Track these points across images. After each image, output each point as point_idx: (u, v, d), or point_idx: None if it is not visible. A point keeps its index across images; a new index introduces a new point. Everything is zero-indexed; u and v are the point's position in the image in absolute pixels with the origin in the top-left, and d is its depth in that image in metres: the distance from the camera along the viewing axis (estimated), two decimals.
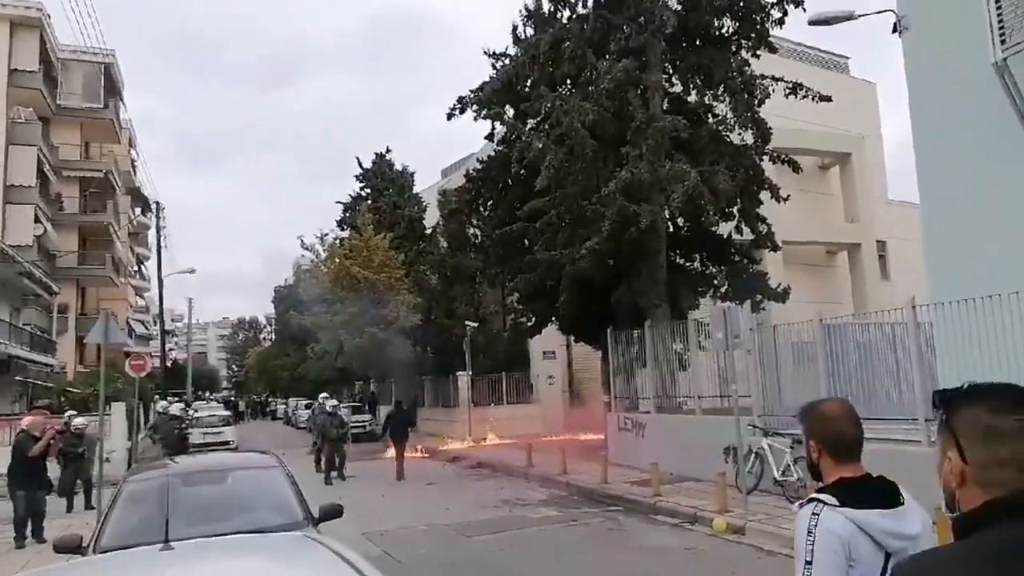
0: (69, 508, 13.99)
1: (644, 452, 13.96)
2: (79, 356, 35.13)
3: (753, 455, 11.35)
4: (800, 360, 12.48)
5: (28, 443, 11.18)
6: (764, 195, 17.64)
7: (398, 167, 33.83)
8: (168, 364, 43.30)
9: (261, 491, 5.43)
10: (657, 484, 11.86)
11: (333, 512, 5.24)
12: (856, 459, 2.23)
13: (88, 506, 14.10)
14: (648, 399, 15.74)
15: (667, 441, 14.01)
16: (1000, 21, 9.10)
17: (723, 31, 17.37)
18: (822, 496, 2.13)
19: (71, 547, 4.68)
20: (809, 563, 2.04)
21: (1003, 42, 9.10)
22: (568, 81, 17.54)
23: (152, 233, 34.08)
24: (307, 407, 33.18)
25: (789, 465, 10.73)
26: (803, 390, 12.09)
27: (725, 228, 18.16)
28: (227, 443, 23.91)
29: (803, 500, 2.19)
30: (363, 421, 28.79)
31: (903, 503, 2.15)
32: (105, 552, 4.29)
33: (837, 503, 2.09)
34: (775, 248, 18.26)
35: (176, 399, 37.21)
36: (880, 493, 2.16)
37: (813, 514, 2.09)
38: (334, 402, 19.55)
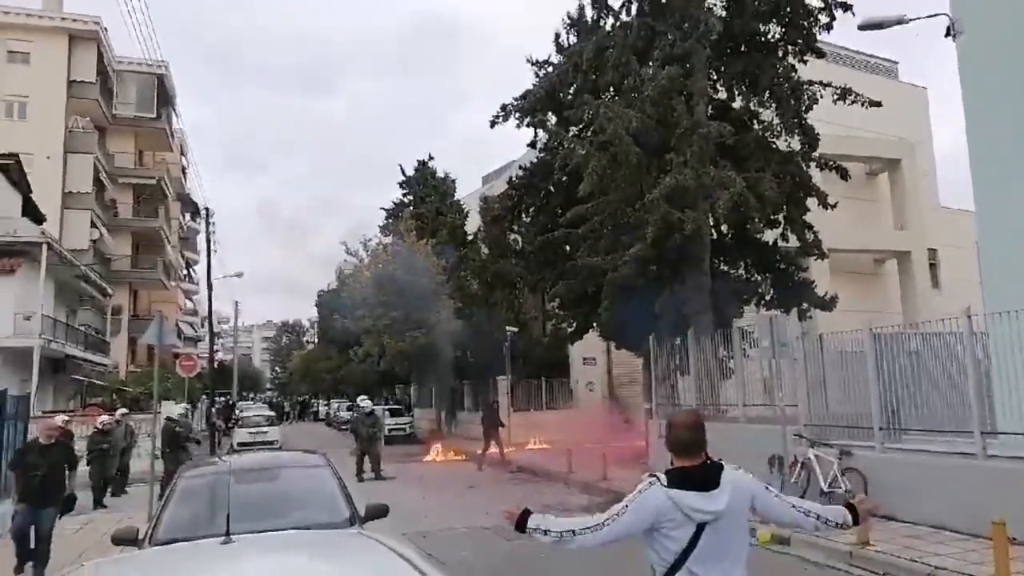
0: (95, 505, 14.14)
1: None
2: (131, 356, 36.26)
3: (799, 465, 11.13)
4: (847, 369, 12.24)
5: (30, 451, 9.00)
6: (811, 202, 17.37)
7: (440, 174, 34.17)
8: (216, 365, 44.38)
9: (310, 489, 5.52)
10: None
11: (378, 512, 5.34)
12: (693, 455, 2.99)
13: (98, 504, 14.24)
14: (691, 407, 15.58)
15: (711, 449, 13.81)
16: None
17: (769, 36, 17.17)
18: (658, 475, 2.97)
19: (128, 539, 4.83)
20: (626, 507, 2.93)
21: None
22: (611, 88, 17.54)
23: (200, 238, 34.92)
24: (348, 409, 33.67)
25: (836, 476, 10.48)
26: (852, 400, 11.88)
27: (771, 235, 17.95)
28: (272, 442, 24.37)
29: (650, 474, 3.00)
30: (402, 424, 29.07)
31: (717, 487, 2.90)
32: (161, 544, 4.43)
33: (665, 483, 2.90)
34: (822, 256, 17.95)
35: (223, 399, 38.09)
36: (703, 479, 2.92)
37: (648, 483, 2.95)
38: (369, 402, 20.58)
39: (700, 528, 2.86)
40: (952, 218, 27.09)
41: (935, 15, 11.76)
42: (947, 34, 11.75)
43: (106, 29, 33.68)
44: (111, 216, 35.22)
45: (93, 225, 31.60)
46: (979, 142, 11.29)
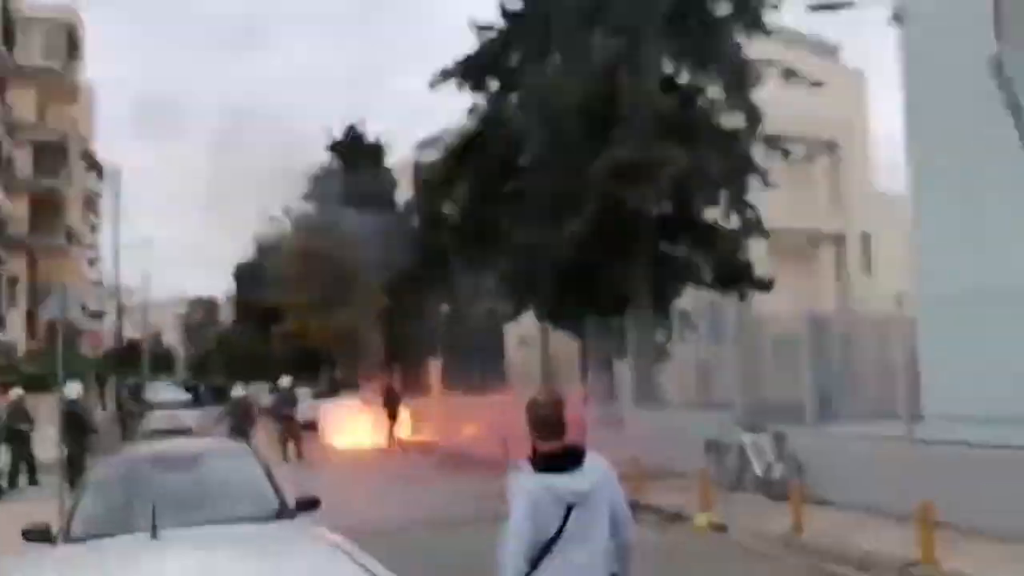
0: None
1: (623, 446, 13.51)
2: (30, 332, 33.65)
3: (735, 451, 11.06)
4: (783, 354, 12.31)
5: None
6: (751, 182, 17.22)
7: (371, 139, 32.86)
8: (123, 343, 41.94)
9: (235, 479, 5.33)
10: (637, 479, 11.43)
11: (310, 503, 5.15)
12: (556, 436, 3.00)
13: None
14: (627, 392, 15.31)
15: (647, 435, 13.68)
16: (998, 15, 9.00)
17: (718, 13, 16.88)
18: (524, 465, 3.01)
19: (40, 534, 4.62)
20: (514, 519, 2.89)
21: (1001, 36, 8.99)
22: (558, 56, 16.90)
23: (105, 202, 32.76)
24: (271, 391, 32.25)
25: (771, 461, 10.46)
26: (787, 385, 11.92)
27: (711, 215, 17.76)
28: (189, 428, 22.99)
29: (515, 469, 3.05)
30: None
31: (581, 468, 2.97)
32: (78, 541, 4.31)
33: (532, 471, 2.96)
34: (764, 235, 17.88)
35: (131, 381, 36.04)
36: (567, 461, 2.97)
37: (515, 479, 3.00)
38: (288, 380, 20.27)
39: (569, 510, 2.90)
40: (886, 202, 27.65)
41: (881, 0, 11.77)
42: (891, 20, 11.88)
43: None
44: (7, 175, 32.49)
45: None
46: (915, 128, 11.54)
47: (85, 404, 16.62)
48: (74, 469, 12.57)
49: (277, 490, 5.13)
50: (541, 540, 2.91)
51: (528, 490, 2.91)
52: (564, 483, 2.92)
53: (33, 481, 14.81)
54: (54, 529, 4.69)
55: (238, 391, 18.82)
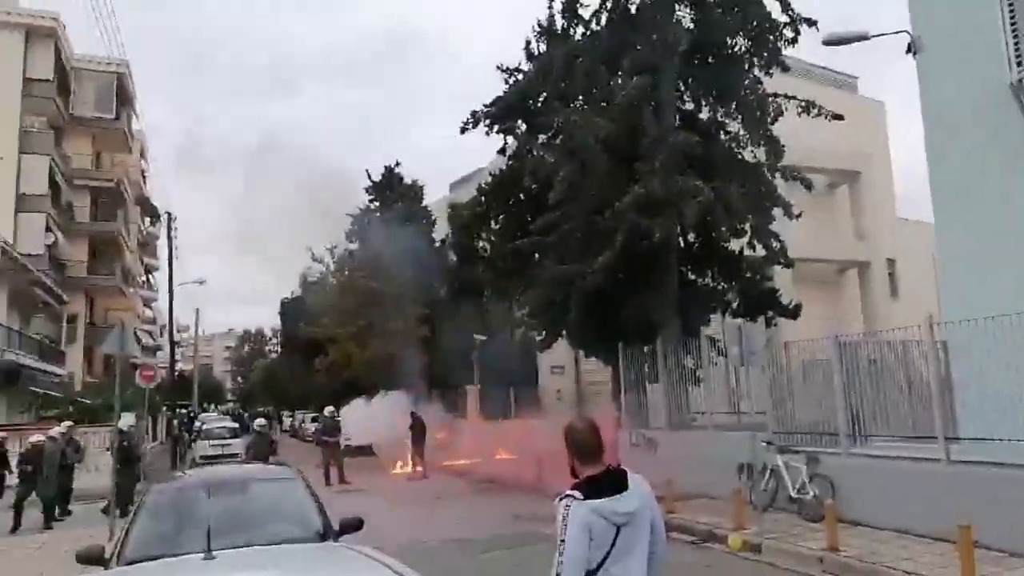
0: (14, 528, 13.47)
1: (657, 469, 13.76)
2: (87, 366, 35.19)
3: (768, 472, 11.21)
4: (813, 377, 12.43)
5: None
6: (776, 212, 17.66)
7: (407, 180, 34.00)
8: (176, 375, 43.38)
9: (282, 503, 5.46)
10: (671, 500, 11.78)
11: (353, 525, 5.29)
12: (597, 460, 3.09)
13: (47, 525, 13.69)
14: (660, 415, 15.67)
15: (680, 458, 13.88)
16: (1016, 43, 9.20)
17: (736, 49, 17.47)
18: (573, 492, 3.00)
19: (94, 558, 4.72)
20: (563, 541, 2.94)
21: (1019, 64, 9.19)
22: (581, 97, 17.65)
23: (161, 243, 34.24)
24: (313, 420, 33.16)
25: (804, 483, 10.61)
26: (818, 407, 12.06)
27: (737, 245, 18.20)
28: (236, 455, 23.87)
29: (561, 495, 3.03)
30: None
31: (628, 489, 3.05)
32: (132, 563, 4.29)
33: (582, 497, 2.96)
34: (788, 264, 18.25)
35: (185, 411, 37.26)
36: (612, 483, 3.04)
37: (566, 507, 2.98)
38: (332, 409, 21.10)
39: (618, 530, 3.02)
40: (909, 229, 27.79)
41: (898, 32, 12.05)
42: (908, 51, 12.05)
43: (65, 26, 32.83)
44: (67, 220, 34.20)
45: (48, 229, 30.62)
46: (937, 155, 11.60)
47: (135, 434, 17.06)
48: (123, 495, 12.97)
49: (322, 512, 5.22)
50: (593, 561, 3.00)
51: (582, 518, 2.95)
52: (614, 506, 3.01)
53: (65, 512, 14.85)
54: (107, 552, 4.76)
55: (260, 424, 19.26)
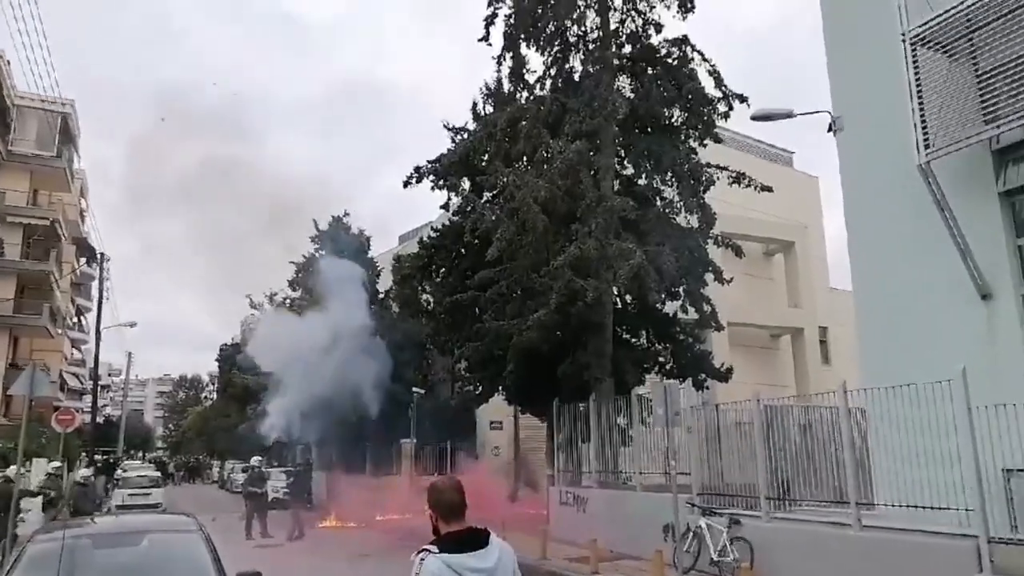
0: None
1: (585, 527, 13.82)
2: (4, 408, 33.43)
3: (691, 534, 11.31)
4: (739, 440, 12.57)
5: None
6: (709, 277, 18.18)
7: (355, 231, 33.89)
8: (100, 420, 41.55)
9: (176, 555, 5.38)
10: (595, 561, 11.73)
11: None
12: (459, 518, 3.21)
13: None
14: (591, 474, 15.67)
15: (608, 516, 13.92)
16: (924, 126, 9.79)
17: (672, 120, 18.22)
18: (429, 547, 3.10)
19: None
20: None
21: (927, 146, 9.75)
22: (523, 158, 18.09)
23: (95, 284, 33.18)
24: (244, 471, 32.01)
25: (726, 545, 10.71)
26: (743, 470, 12.20)
27: (671, 307, 18.60)
28: (155, 505, 22.83)
29: (418, 550, 3.11)
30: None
31: (486, 546, 3.14)
32: None
33: (438, 551, 3.06)
34: (719, 328, 18.72)
35: (105, 457, 35.61)
36: (471, 540, 3.14)
37: (420, 560, 3.07)
38: (259, 459, 20.71)
39: None
40: (841, 298, 28.77)
41: (818, 111, 12.69)
42: (829, 129, 12.67)
43: (9, 62, 32.28)
44: None
45: None
46: (856, 228, 12.11)
47: (92, 483, 16.65)
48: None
49: (217, 566, 5.16)
50: None
51: (434, 570, 3.01)
52: (471, 562, 3.07)
53: None
54: None
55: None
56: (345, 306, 25.16)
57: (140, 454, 68.85)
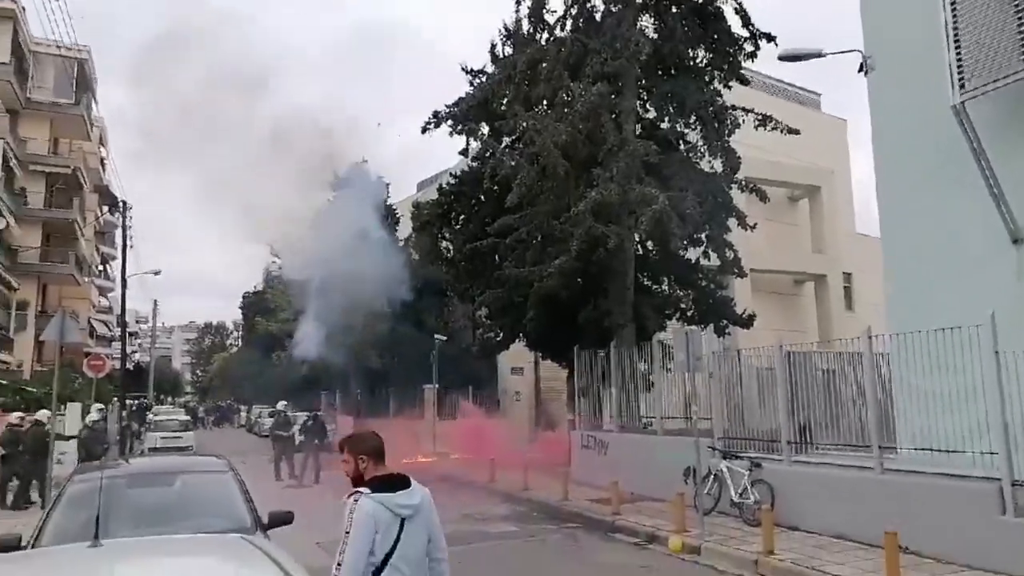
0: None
1: (606, 470, 14.02)
2: (37, 355, 34.30)
3: (712, 477, 11.44)
4: (761, 385, 12.63)
5: None
6: (732, 223, 17.94)
7: (372, 178, 33.72)
8: (130, 366, 42.55)
9: (208, 495, 5.43)
10: (617, 502, 11.93)
11: (282, 519, 5.29)
12: (383, 462, 3.57)
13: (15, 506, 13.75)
14: (612, 418, 15.83)
15: (629, 460, 14.10)
16: (960, 66, 9.48)
17: (697, 61, 17.73)
18: (361, 489, 3.39)
19: (10, 546, 4.65)
20: (347, 533, 3.25)
21: (962, 86, 9.44)
22: (543, 101, 17.75)
23: (119, 232, 33.43)
24: (271, 415, 32.78)
25: (746, 487, 10.85)
26: (764, 415, 12.29)
27: (693, 253, 18.45)
28: (186, 448, 23.57)
29: (350, 493, 3.39)
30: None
31: (410, 487, 3.48)
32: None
33: (371, 492, 3.35)
34: (741, 274, 18.57)
35: (135, 402, 36.60)
36: (398, 482, 3.47)
37: (354, 501, 3.33)
38: (285, 403, 21.01)
39: (403, 524, 3.37)
40: (866, 244, 28.42)
41: (850, 51, 12.32)
42: (860, 69, 12.33)
43: (24, 8, 32.04)
44: (20, 205, 33.30)
45: (0, 214, 29.84)
46: (885, 171, 11.88)
47: (102, 426, 17.14)
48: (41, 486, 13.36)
49: (249, 504, 5.24)
50: (381, 554, 3.28)
51: (368, 509, 3.29)
52: (400, 499, 3.40)
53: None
54: (24, 540, 4.69)
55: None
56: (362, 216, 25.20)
57: (169, 399, 70.61)
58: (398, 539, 3.34)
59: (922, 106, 10.71)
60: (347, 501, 3.37)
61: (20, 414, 15.15)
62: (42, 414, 15.41)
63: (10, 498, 14.32)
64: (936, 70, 9.64)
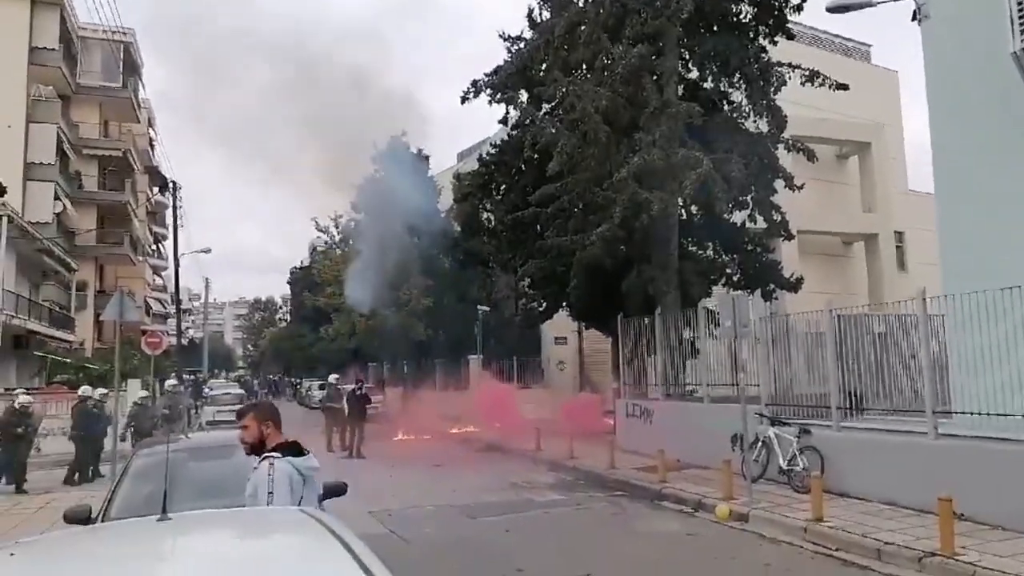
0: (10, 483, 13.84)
1: (652, 438, 14.02)
2: (97, 333, 35.65)
3: (760, 444, 11.35)
4: (810, 350, 12.40)
5: None
6: (779, 184, 17.49)
7: (412, 150, 33.79)
8: (184, 342, 43.91)
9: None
10: (663, 470, 11.94)
11: (337, 490, 5.37)
12: (281, 431, 4.01)
13: (19, 489, 13.65)
14: (657, 386, 15.76)
15: (675, 428, 14.05)
16: (1021, 11, 8.97)
17: (740, 17, 17.16)
18: (274, 454, 3.79)
19: (80, 518, 4.83)
20: (271, 493, 3.63)
21: (1022, 33, 8.97)
22: (583, 66, 17.43)
23: (170, 212, 34.33)
24: (320, 387, 33.56)
25: (795, 454, 10.73)
26: (812, 380, 12.07)
27: (739, 217, 18.06)
28: None
29: (261, 459, 3.80)
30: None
31: (308, 452, 3.94)
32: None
33: (281, 456, 3.77)
34: (789, 237, 18.15)
35: (191, 377, 37.80)
36: (297, 449, 3.91)
37: (270, 464, 3.73)
38: (336, 376, 21.44)
39: (304, 484, 3.81)
40: (920, 201, 27.39)
41: None
42: (913, 18, 11.80)
43: None
44: (75, 188, 34.36)
45: (57, 197, 30.76)
46: (940, 125, 11.43)
47: (149, 403, 17.57)
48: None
49: None
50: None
51: (286, 471, 3.73)
52: (306, 463, 3.87)
53: (21, 490, 14.22)
54: (94, 512, 4.86)
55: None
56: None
57: (223, 374, 72.79)
58: (302, 497, 3.77)
59: (979, 55, 10.27)
60: (262, 465, 3.77)
61: (27, 398, 15.08)
62: (84, 390, 15.95)
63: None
64: (994, 16, 9.24)
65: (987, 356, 8.69)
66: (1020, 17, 9.04)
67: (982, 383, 8.77)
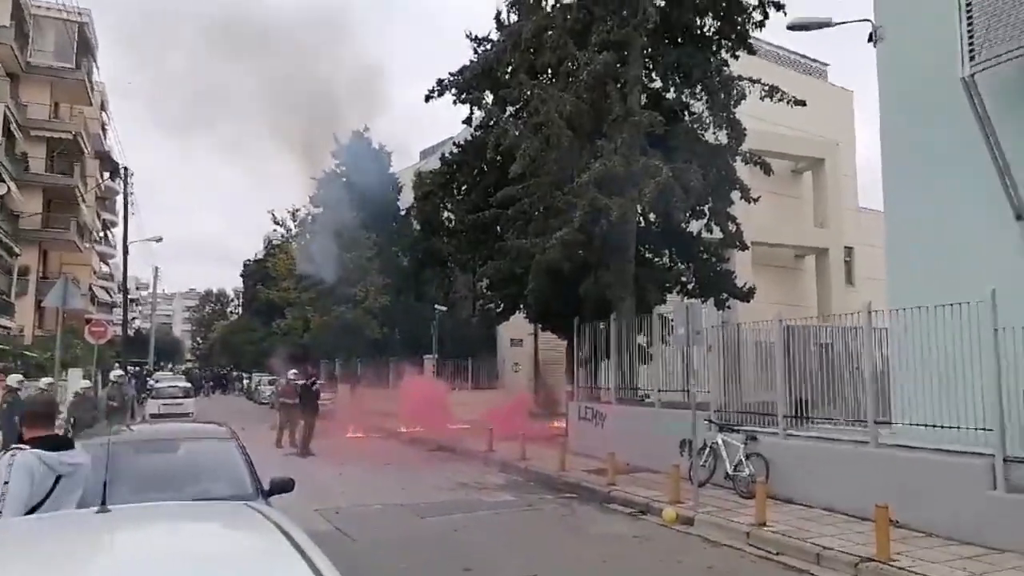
0: None
1: (603, 442, 14.11)
2: (38, 320, 34.42)
3: (707, 449, 11.51)
4: (760, 359, 12.63)
5: None
6: (735, 195, 17.82)
7: (375, 146, 33.52)
8: (131, 333, 42.73)
9: (211, 462, 5.49)
10: (613, 473, 12.03)
11: (283, 486, 5.36)
12: (47, 426, 4.10)
13: None
14: (610, 390, 15.89)
15: (626, 432, 14.17)
16: (971, 37, 9.29)
17: (704, 30, 17.45)
18: (20, 446, 3.85)
19: None
20: (6, 483, 3.66)
21: (972, 58, 9.28)
22: (548, 70, 17.54)
23: (120, 198, 33.36)
24: (270, 383, 32.97)
25: (742, 460, 10.93)
26: (761, 388, 12.31)
27: (695, 226, 18.35)
28: (186, 415, 23.70)
29: (7, 450, 3.87)
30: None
31: (73, 448, 3.99)
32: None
33: (28, 448, 3.81)
34: (743, 247, 18.52)
35: (135, 368, 36.78)
36: (58, 443, 3.97)
37: (11, 456, 3.78)
38: (295, 372, 20.78)
39: (58, 479, 3.78)
40: (869, 218, 28.29)
41: (860, 20, 12.11)
42: (869, 39, 12.12)
43: None
44: (21, 170, 33.09)
45: (1, 179, 29.68)
46: (891, 144, 11.75)
47: (92, 394, 16.93)
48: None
49: (251, 472, 5.30)
50: (33, 501, 3.68)
51: (26, 463, 3.74)
52: (61, 458, 3.86)
53: None
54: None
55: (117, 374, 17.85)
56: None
57: (170, 366, 71.00)
58: (51, 491, 3.76)
59: (931, 77, 10.55)
60: (4, 456, 3.86)
61: (19, 377, 14.91)
62: (43, 382, 15.37)
63: None
64: (946, 42, 9.48)
65: (927, 369, 8.96)
66: (970, 42, 9.37)
67: (922, 395, 9.06)
